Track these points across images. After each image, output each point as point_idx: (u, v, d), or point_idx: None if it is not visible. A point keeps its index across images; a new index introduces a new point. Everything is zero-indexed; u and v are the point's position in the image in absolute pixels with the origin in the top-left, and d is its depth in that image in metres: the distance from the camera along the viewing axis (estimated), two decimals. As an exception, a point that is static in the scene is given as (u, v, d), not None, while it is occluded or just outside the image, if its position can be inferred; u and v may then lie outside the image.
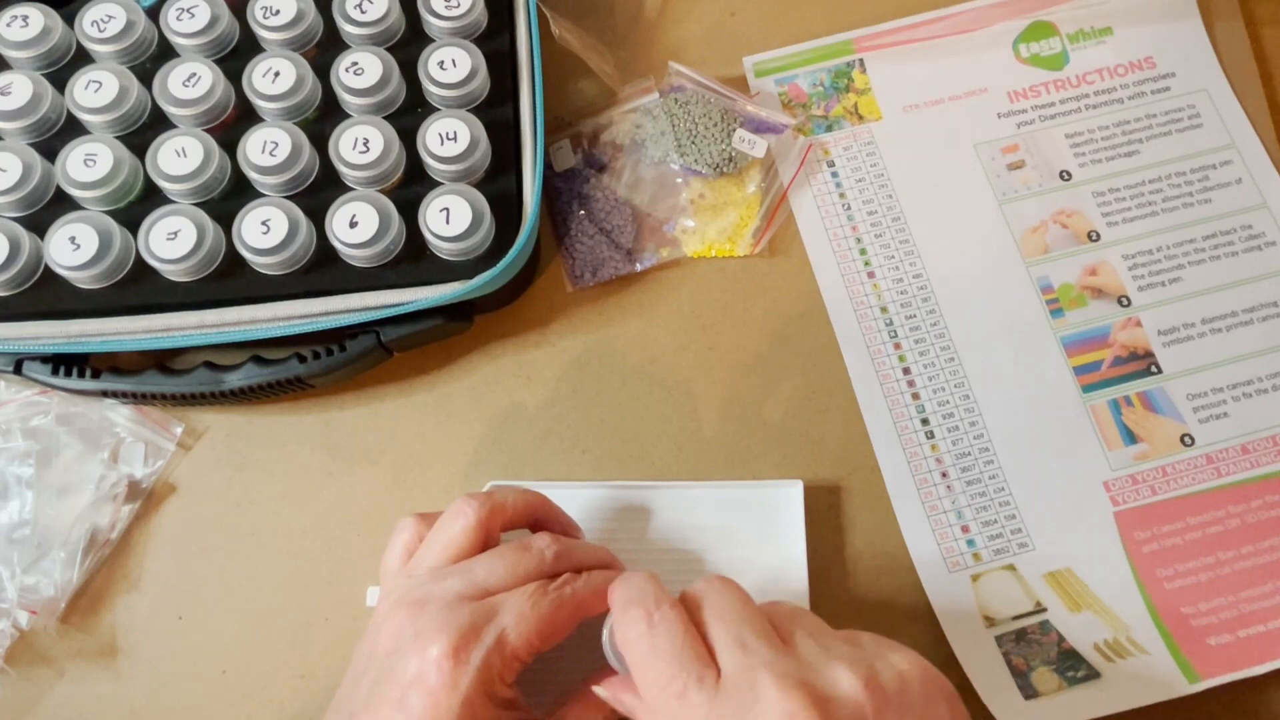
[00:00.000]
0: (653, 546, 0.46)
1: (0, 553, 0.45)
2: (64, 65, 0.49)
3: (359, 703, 0.34)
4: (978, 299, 0.51)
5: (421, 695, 0.33)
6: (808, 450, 0.48)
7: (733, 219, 0.52)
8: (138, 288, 0.45)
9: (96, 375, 0.46)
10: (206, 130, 0.47)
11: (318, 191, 0.47)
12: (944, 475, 0.48)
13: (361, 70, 0.47)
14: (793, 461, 0.48)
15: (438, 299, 0.45)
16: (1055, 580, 0.45)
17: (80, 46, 0.49)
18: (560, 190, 0.52)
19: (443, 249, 0.45)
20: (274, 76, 0.47)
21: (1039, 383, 0.49)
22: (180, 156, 0.45)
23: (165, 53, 0.49)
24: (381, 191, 0.46)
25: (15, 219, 0.46)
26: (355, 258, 0.45)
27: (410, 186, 0.47)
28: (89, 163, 0.45)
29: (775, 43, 0.56)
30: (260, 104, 0.47)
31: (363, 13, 0.49)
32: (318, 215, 0.45)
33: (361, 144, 0.45)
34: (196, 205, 0.46)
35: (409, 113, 0.48)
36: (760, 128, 0.53)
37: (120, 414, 0.48)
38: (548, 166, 0.53)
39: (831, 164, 0.54)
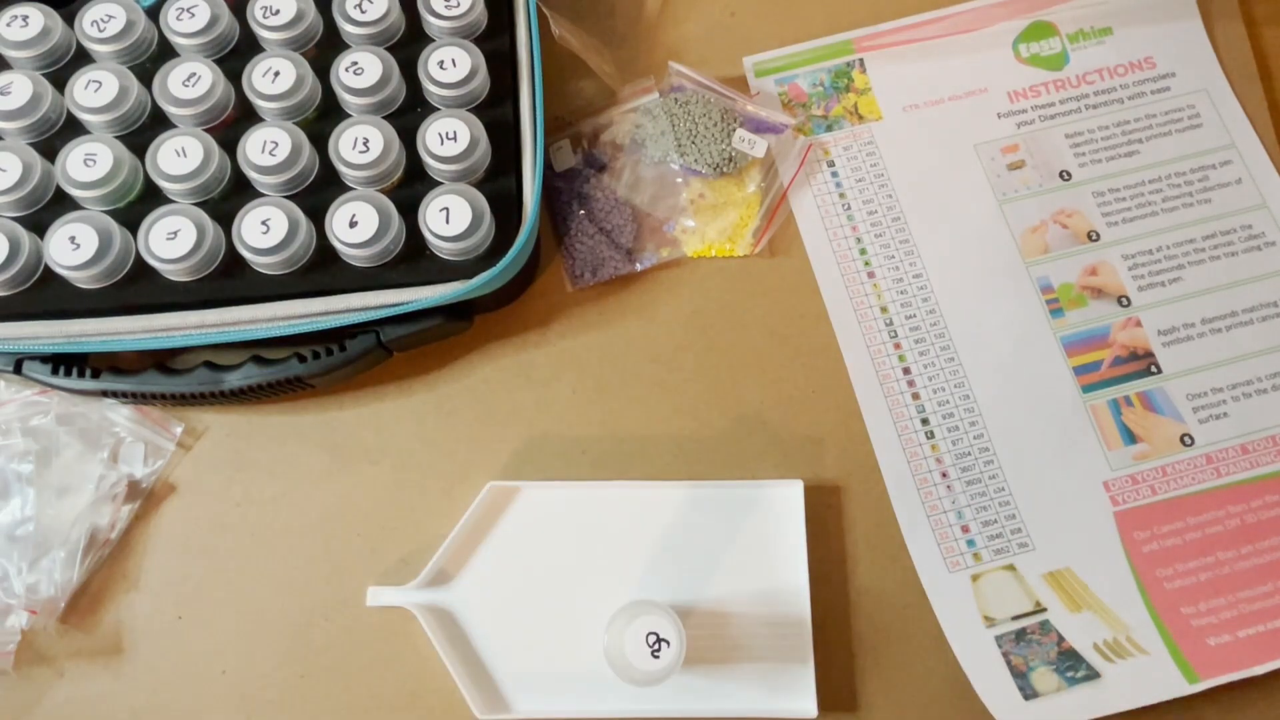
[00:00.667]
0: (653, 546, 0.46)
1: (4, 550, 0.45)
2: (64, 65, 0.49)
3: None
4: (978, 299, 0.51)
5: None
6: (808, 450, 0.48)
7: (733, 219, 0.52)
8: (138, 288, 0.45)
9: (96, 375, 0.46)
10: (206, 130, 0.47)
11: (318, 191, 0.47)
12: (944, 475, 0.48)
13: (361, 70, 0.47)
14: (793, 461, 0.48)
15: (438, 299, 0.45)
16: (1055, 580, 0.45)
17: (80, 46, 0.49)
18: (560, 190, 0.52)
19: (443, 249, 0.45)
20: (274, 76, 0.47)
21: (1039, 383, 0.49)
22: (180, 156, 0.45)
23: (165, 53, 0.49)
24: (381, 191, 0.46)
25: (15, 219, 0.46)
26: (355, 257, 0.45)
27: (410, 186, 0.47)
28: (89, 163, 0.45)
29: (775, 43, 0.56)
30: (260, 104, 0.47)
31: (363, 12, 0.48)
32: (318, 215, 0.45)
33: (361, 144, 0.45)
34: (196, 205, 0.46)
35: (409, 113, 0.48)
36: (760, 128, 0.53)
37: (120, 414, 0.48)
38: (548, 166, 0.53)
39: (831, 164, 0.54)
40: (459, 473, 0.48)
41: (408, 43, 0.50)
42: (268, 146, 0.45)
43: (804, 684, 0.43)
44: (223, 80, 0.47)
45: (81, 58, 0.49)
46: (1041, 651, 0.44)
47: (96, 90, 0.46)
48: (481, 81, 0.48)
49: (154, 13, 0.49)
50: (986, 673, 0.43)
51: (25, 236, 0.44)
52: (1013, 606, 0.45)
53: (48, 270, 0.45)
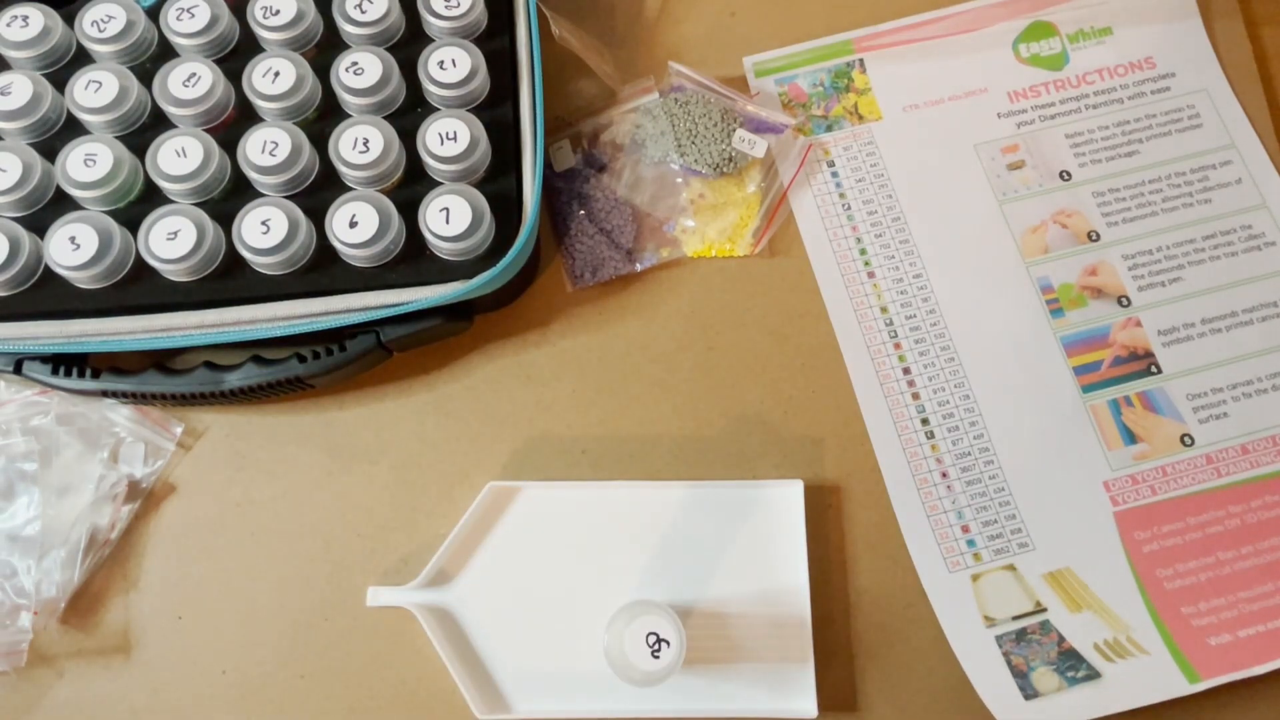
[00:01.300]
0: (652, 546, 0.46)
1: (11, 549, 0.45)
2: (64, 65, 0.49)
3: None
4: (978, 299, 0.51)
5: None
6: (808, 450, 0.48)
7: (733, 219, 0.52)
8: (138, 288, 0.45)
9: (96, 375, 0.46)
10: (206, 130, 0.47)
11: (318, 191, 0.47)
12: (944, 475, 0.48)
13: (361, 70, 0.47)
14: (793, 461, 0.48)
15: (438, 299, 0.45)
16: (1055, 580, 0.45)
17: (80, 46, 0.49)
18: (560, 190, 0.52)
19: (443, 249, 0.45)
20: (274, 76, 0.47)
21: (1039, 383, 0.49)
22: (180, 156, 0.45)
23: (165, 53, 0.49)
24: (381, 191, 0.46)
25: (15, 219, 0.46)
26: (355, 258, 0.45)
27: (410, 186, 0.47)
28: (89, 163, 0.45)
29: (775, 43, 0.56)
30: (260, 104, 0.47)
31: (363, 13, 0.48)
32: (318, 215, 0.45)
33: (361, 144, 0.45)
34: (196, 205, 0.46)
35: (409, 113, 0.48)
36: (760, 128, 0.53)
37: (120, 414, 0.48)
38: (548, 166, 0.53)
39: (831, 164, 0.54)
40: (459, 473, 0.48)
41: (408, 43, 0.50)
42: (268, 146, 0.45)
43: (804, 684, 0.43)
44: (223, 80, 0.47)
45: (81, 58, 0.49)
46: (1042, 651, 0.44)
47: (96, 90, 0.46)
48: (481, 81, 0.48)
49: (154, 13, 0.49)
50: (987, 673, 0.43)
51: (25, 236, 0.44)
52: (1013, 606, 0.45)
53: (48, 270, 0.45)
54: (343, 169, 0.46)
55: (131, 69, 0.48)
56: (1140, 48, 0.56)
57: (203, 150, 0.45)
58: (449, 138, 0.46)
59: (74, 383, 0.46)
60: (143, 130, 0.48)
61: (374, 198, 0.45)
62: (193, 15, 0.48)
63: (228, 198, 0.47)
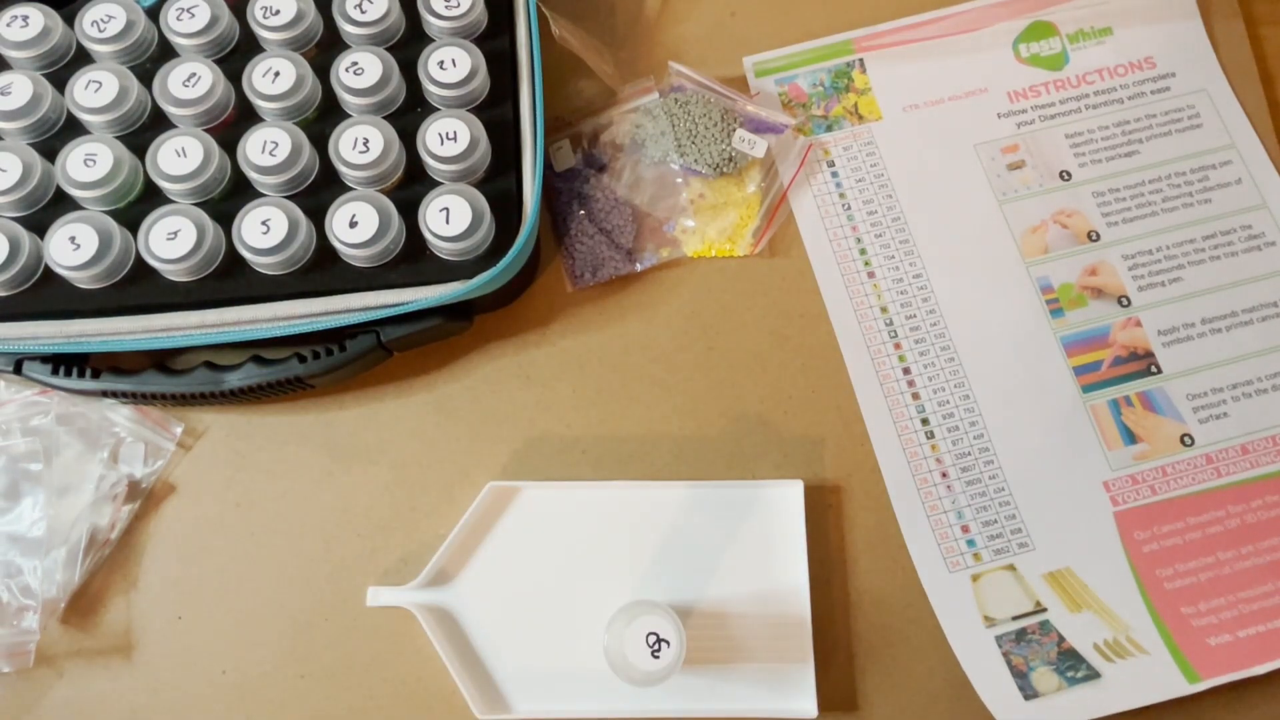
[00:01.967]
0: (652, 546, 0.46)
1: (17, 550, 0.45)
2: (64, 65, 0.49)
3: None
4: (978, 299, 0.51)
5: None
6: (808, 450, 0.48)
7: (733, 219, 0.52)
8: (138, 288, 0.45)
9: (96, 375, 0.46)
10: (206, 130, 0.47)
11: (318, 191, 0.47)
12: (944, 475, 0.48)
13: (361, 70, 0.47)
14: (793, 461, 0.48)
15: (438, 299, 0.45)
16: (1055, 580, 0.45)
17: (80, 46, 0.49)
18: (560, 190, 0.52)
19: (443, 249, 0.45)
20: (274, 76, 0.47)
21: (1039, 383, 0.49)
22: (180, 156, 0.45)
23: (165, 53, 0.49)
24: (381, 191, 0.46)
25: (15, 219, 0.46)
26: (355, 258, 0.45)
27: (410, 186, 0.47)
28: (89, 163, 0.45)
29: (775, 43, 0.56)
30: (260, 104, 0.47)
31: (363, 13, 0.48)
32: (318, 215, 0.45)
33: (361, 144, 0.45)
34: (196, 205, 0.46)
35: (409, 113, 0.48)
36: (760, 128, 0.53)
37: (120, 414, 0.48)
38: (548, 166, 0.53)
39: (831, 164, 0.54)
40: (459, 473, 0.48)
41: (408, 43, 0.50)
42: (268, 146, 0.45)
43: (804, 684, 0.43)
44: (223, 80, 0.47)
45: (81, 58, 0.49)
46: (1042, 651, 0.44)
47: (96, 90, 0.46)
48: (481, 81, 0.48)
49: (154, 13, 0.49)
50: (987, 673, 0.43)
51: (25, 237, 0.44)
52: (1013, 606, 0.45)
53: (48, 270, 0.45)
54: (343, 169, 0.46)
55: (131, 69, 0.48)
56: (1140, 48, 0.56)
57: (203, 150, 0.45)
58: (449, 138, 0.46)
59: (74, 383, 0.46)
60: (143, 130, 0.48)
61: (374, 198, 0.45)
62: (193, 15, 0.48)
63: (228, 198, 0.47)
